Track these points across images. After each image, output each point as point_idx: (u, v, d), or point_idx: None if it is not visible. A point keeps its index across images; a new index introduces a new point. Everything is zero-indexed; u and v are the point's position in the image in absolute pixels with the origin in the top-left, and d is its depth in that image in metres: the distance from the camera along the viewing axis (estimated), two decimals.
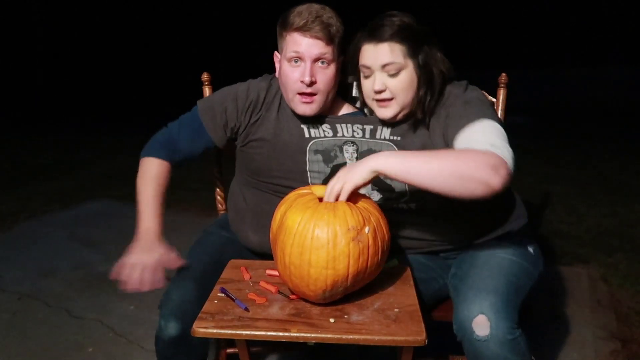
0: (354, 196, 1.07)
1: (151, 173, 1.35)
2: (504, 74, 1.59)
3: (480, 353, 1.08)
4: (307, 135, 1.33)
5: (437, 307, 1.36)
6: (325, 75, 1.27)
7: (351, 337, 0.96)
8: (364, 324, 0.99)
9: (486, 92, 1.62)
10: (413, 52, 1.21)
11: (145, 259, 1.17)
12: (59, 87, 12.42)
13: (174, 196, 3.62)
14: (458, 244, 1.36)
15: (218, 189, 1.73)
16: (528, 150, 5.32)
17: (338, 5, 1.34)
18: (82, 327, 2.09)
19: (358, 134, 1.32)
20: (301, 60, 1.26)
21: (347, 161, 1.32)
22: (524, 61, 11.45)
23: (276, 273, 1.20)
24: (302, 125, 1.34)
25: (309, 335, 0.97)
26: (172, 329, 1.16)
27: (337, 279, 0.99)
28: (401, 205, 1.31)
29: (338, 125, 1.33)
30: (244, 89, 1.38)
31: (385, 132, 1.30)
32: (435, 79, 1.24)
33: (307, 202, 1.04)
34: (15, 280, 2.52)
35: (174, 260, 1.21)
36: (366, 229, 0.99)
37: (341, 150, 1.32)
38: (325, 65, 1.27)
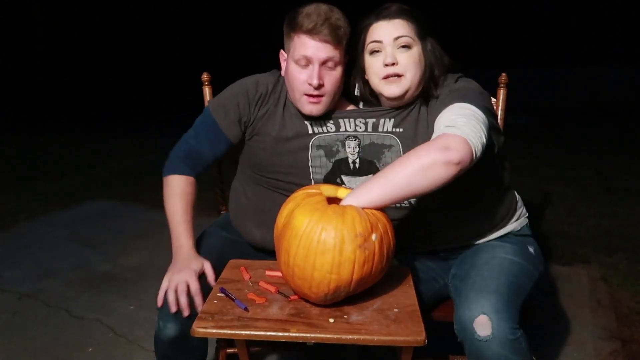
0: None
1: (177, 190, 1.33)
2: (504, 74, 1.59)
3: (481, 353, 1.08)
4: (310, 131, 1.34)
5: (437, 307, 1.36)
6: (333, 77, 1.28)
7: (351, 337, 0.96)
8: (363, 324, 0.99)
9: (486, 92, 1.62)
10: (421, 34, 1.26)
11: (186, 277, 1.15)
12: (59, 87, 12.42)
13: None
14: (458, 243, 1.36)
15: (218, 189, 1.73)
16: (528, 150, 5.32)
17: (342, 3, 1.34)
18: (82, 327, 2.09)
19: (361, 128, 1.33)
20: (309, 62, 1.26)
21: (349, 156, 1.33)
22: (524, 61, 11.46)
23: (276, 273, 1.20)
24: (306, 122, 1.35)
25: (308, 335, 0.97)
26: (170, 329, 1.16)
27: (340, 284, 0.98)
28: (401, 206, 1.31)
29: (341, 120, 1.34)
30: (253, 82, 1.38)
31: (388, 125, 1.31)
32: (439, 66, 1.27)
33: (316, 203, 1.03)
34: (15, 280, 2.52)
35: (209, 273, 1.20)
36: (373, 236, 0.98)
37: (343, 145, 1.33)
38: (333, 67, 1.28)
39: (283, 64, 1.37)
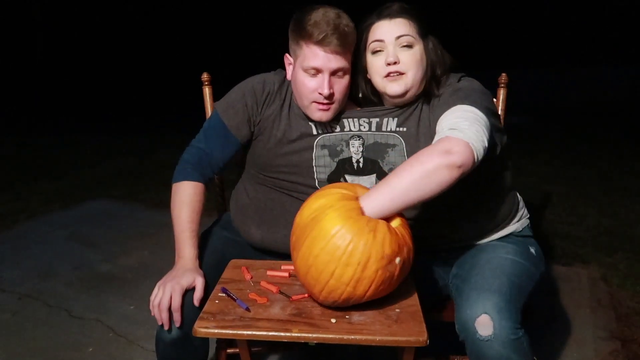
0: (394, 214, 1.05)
1: (185, 197, 1.30)
2: (504, 74, 1.60)
3: (483, 353, 1.08)
4: (314, 132, 1.35)
5: (438, 308, 1.36)
6: (342, 84, 1.29)
7: (352, 337, 0.96)
8: (365, 324, 0.99)
9: None
10: (423, 33, 1.27)
11: (171, 291, 1.14)
12: (59, 87, 12.41)
13: None
14: (460, 243, 1.36)
15: (218, 189, 1.73)
16: (528, 150, 5.32)
17: (347, 3, 1.34)
18: (82, 327, 2.09)
19: (364, 127, 1.33)
20: (319, 72, 1.26)
21: (353, 156, 1.33)
22: (524, 61, 11.46)
23: (277, 273, 1.20)
24: (310, 123, 1.35)
25: (310, 335, 0.97)
26: (172, 330, 1.16)
27: (352, 296, 0.99)
28: None
29: (345, 120, 1.34)
30: (260, 82, 1.38)
31: (391, 124, 1.31)
32: (441, 64, 1.28)
33: (351, 210, 1.00)
34: (15, 280, 2.52)
35: (198, 289, 1.17)
36: (397, 260, 0.98)
37: (347, 145, 1.33)
38: (342, 75, 1.28)
39: (289, 68, 1.36)
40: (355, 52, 1.32)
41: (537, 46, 12.32)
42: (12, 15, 12.53)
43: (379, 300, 1.08)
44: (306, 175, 1.34)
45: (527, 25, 12.54)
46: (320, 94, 1.26)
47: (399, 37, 1.24)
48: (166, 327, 1.14)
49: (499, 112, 1.59)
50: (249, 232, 1.43)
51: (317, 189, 1.26)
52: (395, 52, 1.24)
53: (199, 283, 1.17)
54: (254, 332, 0.97)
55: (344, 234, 0.96)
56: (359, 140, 1.33)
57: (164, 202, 3.66)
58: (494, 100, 1.60)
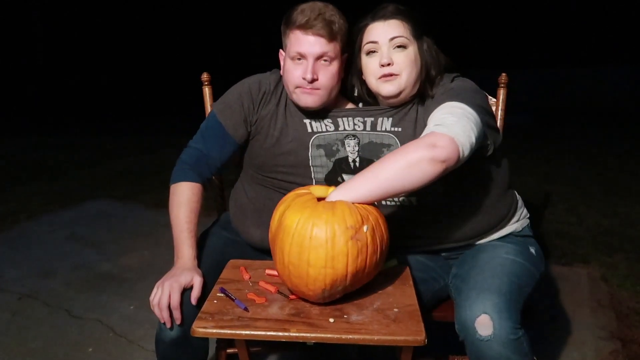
0: None
1: (183, 198, 1.30)
2: (504, 74, 1.60)
3: (482, 353, 1.08)
4: (309, 130, 1.35)
5: (437, 307, 1.36)
6: (328, 72, 1.29)
7: (351, 337, 0.96)
8: (363, 324, 0.99)
9: (486, 92, 1.62)
10: (417, 34, 1.27)
11: (169, 289, 1.14)
12: (59, 87, 12.42)
13: None
14: (458, 242, 1.36)
15: (218, 189, 1.73)
16: (528, 150, 5.32)
17: (343, 3, 1.34)
18: (82, 327, 2.09)
19: (359, 127, 1.33)
20: (304, 57, 1.27)
21: (349, 155, 1.33)
22: (524, 61, 11.45)
23: (276, 273, 1.20)
24: (305, 120, 1.35)
25: (308, 335, 0.97)
26: (172, 330, 1.16)
27: (336, 278, 0.99)
28: (401, 201, 1.31)
29: (339, 119, 1.35)
30: (255, 82, 1.38)
31: (386, 124, 1.32)
32: (435, 65, 1.28)
33: (306, 201, 1.04)
34: (15, 280, 2.52)
35: (197, 287, 1.17)
36: (365, 228, 0.99)
37: (343, 144, 1.33)
38: (328, 62, 1.28)
39: (282, 64, 1.37)
40: (347, 53, 1.33)
41: (537, 46, 12.32)
42: (12, 14, 12.54)
43: (377, 300, 1.08)
44: (304, 176, 1.34)
45: (527, 25, 12.53)
46: (304, 79, 1.26)
47: (392, 39, 1.25)
48: (168, 325, 1.14)
49: (499, 112, 1.59)
50: (248, 232, 1.44)
51: None
52: (389, 53, 1.25)
53: (197, 282, 1.17)
54: (252, 332, 0.97)
55: (304, 222, 0.98)
56: (354, 139, 1.33)
57: (164, 202, 3.63)
58: (494, 100, 1.60)
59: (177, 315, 1.14)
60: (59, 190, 4.17)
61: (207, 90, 1.64)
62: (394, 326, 0.98)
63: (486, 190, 1.33)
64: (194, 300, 1.15)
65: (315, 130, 1.35)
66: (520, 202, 1.43)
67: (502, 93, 1.59)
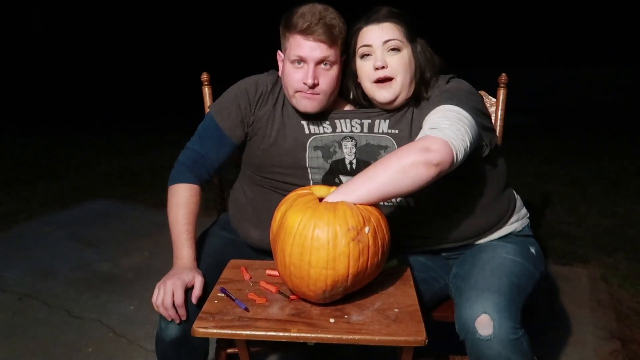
0: None
1: (181, 200, 1.30)
2: (504, 74, 1.60)
3: (483, 352, 1.08)
4: (307, 131, 1.35)
5: (437, 308, 1.36)
6: (328, 76, 1.28)
7: (351, 337, 0.96)
8: (364, 324, 0.99)
9: (486, 92, 1.62)
10: (411, 36, 1.27)
11: (172, 287, 1.14)
12: (59, 87, 12.41)
13: None
14: (457, 242, 1.36)
15: (217, 189, 1.73)
16: (528, 150, 5.32)
17: (340, 4, 1.34)
18: (82, 327, 2.09)
19: (356, 129, 1.33)
20: (304, 62, 1.26)
21: (346, 157, 1.33)
22: (524, 61, 11.45)
23: (276, 273, 1.20)
24: (303, 122, 1.35)
25: (309, 335, 0.97)
26: (172, 330, 1.16)
27: (337, 279, 0.99)
28: (399, 202, 1.32)
29: (337, 121, 1.35)
30: (252, 83, 1.38)
31: (383, 126, 1.32)
32: (430, 66, 1.28)
33: (307, 202, 1.04)
34: (15, 280, 2.52)
35: (198, 286, 1.17)
36: (366, 229, 0.99)
37: (340, 146, 1.33)
38: (328, 66, 1.28)
39: (280, 65, 1.37)
40: (345, 55, 1.33)
41: (537, 46, 12.32)
42: (12, 14, 12.53)
43: (378, 300, 1.08)
44: (301, 177, 1.35)
45: (527, 25, 12.53)
46: (305, 83, 1.26)
47: (386, 42, 1.25)
48: (177, 321, 1.15)
49: (499, 112, 1.59)
50: (247, 233, 1.44)
51: None
52: (383, 56, 1.25)
53: (198, 281, 1.18)
54: (252, 332, 0.97)
55: (305, 223, 0.98)
56: (351, 141, 1.33)
57: (164, 202, 3.63)
58: (494, 99, 1.60)
59: (182, 312, 1.14)
60: (59, 190, 4.17)
61: (207, 90, 1.64)
62: (394, 326, 0.99)
63: (483, 190, 1.33)
64: (194, 300, 1.16)
65: (312, 132, 1.35)
66: (519, 202, 1.43)
67: (502, 93, 1.59)
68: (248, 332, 0.98)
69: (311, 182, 1.35)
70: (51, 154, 5.72)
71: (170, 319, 1.15)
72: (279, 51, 1.37)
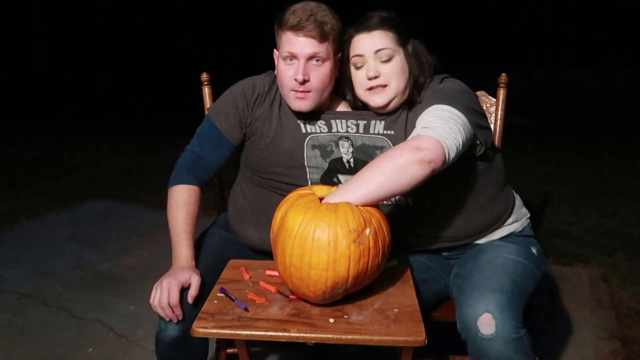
0: None
1: (180, 201, 1.30)
2: (504, 74, 1.60)
3: (484, 352, 1.08)
4: (303, 130, 1.35)
5: (437, 308, 1.36)
6: (320, 73, 1.28)
7: (351, 337, 0.96)
8: (363, 324, 0.99)
9: (486, 92, 1.62)
10: (402, 41, 1.27)
11: (168, 286, 1.14)
12: (59, 87, 12.42)
13: None
14: (456, 241, 1.36)
15: (217, 190, 1.73)
16: (528, 150, 5.32)
17: (337, 3, 1.34)
18: (82, 327, 2.09)
19: (352, 129, 1.34)
20: (295, 58, 1.27)
21: (343, 156, 1.33)
22: (524, 61, 11.45)
23: (276, 273, 1.20)
24: (299, 121, 1.36)
25: (308, 335, 0.97)
26: (172, 330, 1.16)
27: (337, 280, 0.99)
28: (396, 201, 1.32)
29: (333, 121, 1.35)
30: (249, 84, 1.39)
31: (379, 127, 1.32)
32: (425, 68, 1.28)
33: (309, 202, 1.04)
34: (15, 280, 2.52)
35: (194, 286, 1.18)
36: (367, 231, 0.99)
37: (337, 146, 1.34)
38: (320, 63, 1.28)
39: (276, 63, 1.37)
40: (341, 54, 1.33)
41: (537, 46, 12.32)
42: (12, 15, 12.53)
43: (377, 300, 1.08)
44: (299, 176, 1.35)
45: (527, 25, 12.53)
46: (295, 80, 1.26)
47: (377, 51, 1.25)
48: (175, 321, 1.15)
49: (499, 112, 1.59)
50: (246, 235, 1.44)
51: None
52: (376, 66, 1.25)
53: (195, 281, 1.18)
54: (252, 332, 0.97)
55: (306, 224, 0.98)
56: (347, 141, 1.33)
57: (163, 202, 3.63)
58: (494, 99, 1.60)
59: (177, 312, 1.14)
60: (59, 190, 4.17)
61: (207, 90, 1.64)
62: (394, 326, 0.98)
63: (481, 189, 1.33)
64: (190, 299, 1.16)
65: (309, 131, 1.35)
66: (518, 201, 1.43)
67: (502, 93, 1.59)
68: (248, 332, 0.97)
69: (309, 181, 1.35)
70: (51, 154, 5.73)
71: (168, 319, 1.15)
72: (274, 50, 1.37)
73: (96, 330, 2.06)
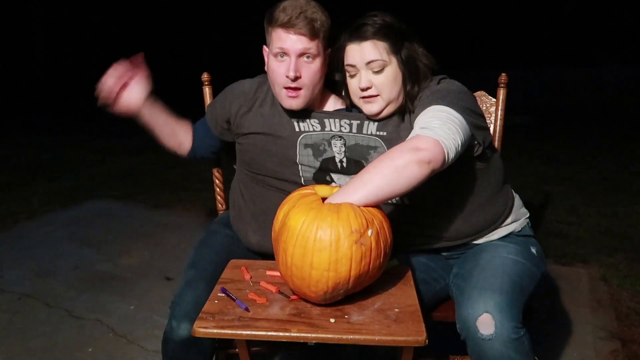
0: None
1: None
2: (504, 74, 1.60)
3: (484, 352, 1.08)
4: (297, 129, 1.36)
5: (437, 308, 1.36)
6: (310, 69, 1.29)
7: (351, 337, 0.96)
8: (364, 324, 0.99)
9: (486, 92, 1.62)
10: (395, 48, 1.25)
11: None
12: (59, 87, 12.41)
13: (175, 196, 3.63)
14: (455, 240, 1.36)
15: (218, 189, 1.73)
16: (528, 150, 5.32)
17: (336, 2, 1.34)
18: (82, 327, 2.09)
19: (345, 128, 1.34)
20: (286, 55, 1.27)
21: (336, 155, 1.34)
22: (524, 61, 11.46)
23: (277, 273, 1.20)
24: (292, 119, 1.36)
25: (309, 335, 0.97)
26: (184, 330, 1.17)
27: (338, 281, 0.99)
28: (396, 202, 1.32)
29: (326, 120, 1.35)
30: (237, 84, 1.44)
31: (372, 128, 1.32)
32: (421, 73, 1.27)
33: (311, 202, 1.04)
34: (15, 280, 2.52)
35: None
36: (369, 232, 0.99)
37: (329, 145, 1.34)
38: (310, 59, 1.29)
39: (266, 60, 1.38)
40: (330, 49, 1.34)
41: (537, 46, 12.32)
42: (11, 13, 12.53)
43: (378, 300, 1.08)
44: (292, 174, 1.36)
45: (527, 25, 12.53)
46: (287, 77, 1.27)
47: (369, 63, 1.24)
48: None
49: (499, 112, 1.59)
50: (246, 237, 1.45)
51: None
52: (368, 76, 1.25)
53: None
54: (252, 332, 0.97)
55: (308, 224, 0.98)
56: (340, 140, 1.34)
57: (164, 202, 3.67)
58: (494, 99, 1.60)
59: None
60: (59, 190, 4.17)
61: (207, 90, 1.64)
62: (394, 326, 0.99)
63: (479, 189, 1.33)
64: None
65: (302, 129, 1.36)
66: (517, 201, 1.43)
67: (502, 93, 1.59)
68: (248, 332, 0.97)
69: (302, 179, 1.36)
70: (51, 154, 5.72)
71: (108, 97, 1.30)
72: (264, 46, 1.38)
73: (96, 330, 2.06)
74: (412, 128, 1.25)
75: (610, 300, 2.22)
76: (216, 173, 1.73)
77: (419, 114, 1.20)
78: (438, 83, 1.29)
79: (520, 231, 1.39)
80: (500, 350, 1.07)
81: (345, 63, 1.29)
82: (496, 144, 1.59)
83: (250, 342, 1.13)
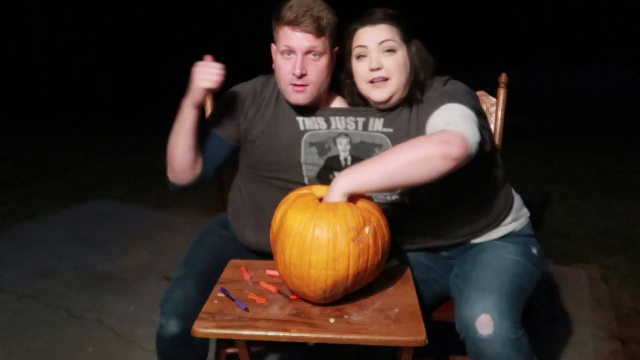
0: (354, 196, 1.07)
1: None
2: (504, 74, 1.60)
3: (483, 352, 1.08)
4: (302, 127, 1.36)
5: (437, 308, 1.36)
6: (317, 67, 1.30)
7: (351, 337, 0.96)
8: (364, 324, 0.99)
9: (486, 92, 1.62)
10: (406, 37, 1.28)
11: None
12: (59, 87, 12.41)
13: (175, 196, 3.63)
14: (453, 239, 1.36)
15: (218, 189, 1.73)
16: (528, 150, 5.32)
17: (339, 1, 1.35)
18: (82, 327, 2.09)
19: (351, 126, 1.34)
20: (293, 52, 1.28)
21: (341, 153, 1.34)
22: (524, 61, 11.46)
23: (276, 273, 1.20)
24: (297, 118, 1.36)
25: (309, 335, 0.97)
26: (173, 327, 1.17)
27: (337, 279, 0.99)
28: (395, 200, 1.32)
29: (332, 118, 1.35)
30: (242, 85, 1.42)
31: (378, 125, 1.32)
32: (426, 66, 1.29)
33: (308, 202, 1.04)
34: (15, 280, 2.52)
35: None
36: (366, 229, 0.99)
37: (335, 143, 1.34)
38: (317, 57, 1.29)
39: (274, 58, 1.38)
40: (338, 47, 1.34)
41: (537, 46, 12.32)
42: (11, 14, 12.53)
43: (378, 300, 1.08)
44: (296, 173, 1.35)
45: (527, 25, 12.54)
46: (293, 74, 1.27)
47: (381, 42, 1.25)
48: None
49: (499, 112, 1.59)
50: (244, 235, 1.44)
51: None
52: (379, 57, 1.26)
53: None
54: (252, 332, 0.98)
55: (305, 223, 0.99)
56: (346, 138, 1.34)
57: (164, 202, 3.66)
58: (494, 99, 1.60)
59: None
60: (58, 190, 4.17)
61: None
62: (394, 326, 0.99)
63: (480, 188, 1.33)
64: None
65: (307, 128, 1.36)
66: (517, 200, 1.43)
67: (502, 93, 1.59)
68: (248, 332, 0.98)
69: (305, 178, 1.36)
70: (51, 154, 5.73)
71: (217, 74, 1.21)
72: (272, 45, 1.38)
73: (96, 330, 2.06)
74: (419, 126, 1.25)
75: (610, 301, 2.22)
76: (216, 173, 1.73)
77: (430, 113, 1.20)
78: (445, 83, 1.29)
79: (520, 231, 1.39)
80: (499, 351, 1.07)
81: (355, 45, 1.29)
82: (496, 143, 1.59)
83: (250, 342, 1.13)
